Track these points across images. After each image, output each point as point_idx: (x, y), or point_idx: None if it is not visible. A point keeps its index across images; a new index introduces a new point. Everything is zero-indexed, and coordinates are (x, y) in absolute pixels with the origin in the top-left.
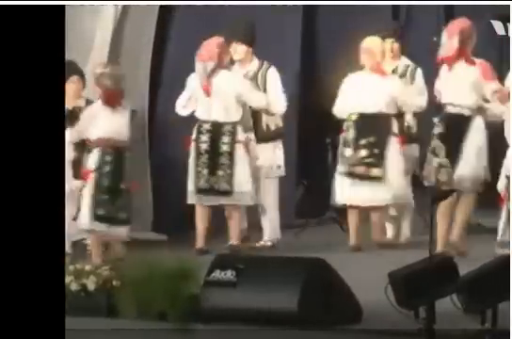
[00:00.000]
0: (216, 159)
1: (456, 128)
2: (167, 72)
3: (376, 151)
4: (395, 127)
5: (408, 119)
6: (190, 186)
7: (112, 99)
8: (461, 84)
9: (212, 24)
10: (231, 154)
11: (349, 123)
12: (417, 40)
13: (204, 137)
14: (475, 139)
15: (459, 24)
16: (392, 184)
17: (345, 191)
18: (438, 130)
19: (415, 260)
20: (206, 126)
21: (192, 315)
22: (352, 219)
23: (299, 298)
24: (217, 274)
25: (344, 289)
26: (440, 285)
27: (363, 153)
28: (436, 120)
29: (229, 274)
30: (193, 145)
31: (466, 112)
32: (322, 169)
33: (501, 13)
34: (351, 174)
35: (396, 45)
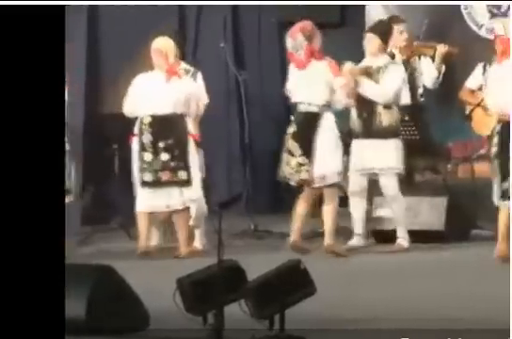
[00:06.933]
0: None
1: (307, 126)
2: None
3: (176, 152)
4: (192, 127)
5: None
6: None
7: None
8: (314, 81)
9: None
10: None
11: (143, 126)
12: (205, 45)
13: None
14: (327, 135)
15: (299, 24)
16: (196, 185)
17: (147, 199)
18: (291, 130)
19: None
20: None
21: None
22: (142, 224)
23: (86, 305)
24: None
25: (131, 296)
26: (229, 291)
27: (165, 156)
28: (291, 119)
29: None
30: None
31: (315, 109)
32: (109, 176)
33: (282, 14)
34: (157, 182)
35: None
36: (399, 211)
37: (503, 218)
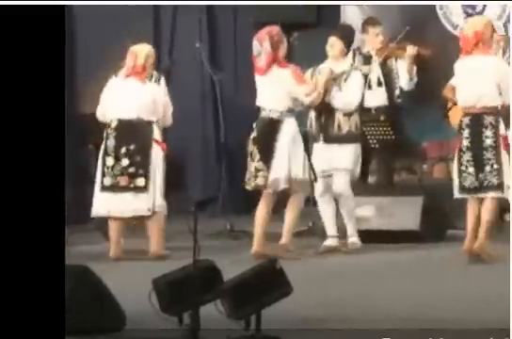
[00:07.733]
0: None
1: (267, 132)
2: None
3: (137, 159)
4: (157, 133)
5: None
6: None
7: None
8: (275, 88)
9: None
10: None
11: (110, 131)
12: (180, 46)
13: None
14: (286, 141)
15: (267, 29)
16: (156, 192)
17: (105, 203)
18: (253, 134)
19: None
20: None
21: None
22: (113, 229)
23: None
24: None
25: (107, 296)
26: (204, 291)
27: (125, 161)
28: (254, 125)
29: None
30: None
31: (276, 115)
32: (85, 176)
33: (258, 14)
34: (115, 187)
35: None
36: (349, 210)
37: (473, 212)
